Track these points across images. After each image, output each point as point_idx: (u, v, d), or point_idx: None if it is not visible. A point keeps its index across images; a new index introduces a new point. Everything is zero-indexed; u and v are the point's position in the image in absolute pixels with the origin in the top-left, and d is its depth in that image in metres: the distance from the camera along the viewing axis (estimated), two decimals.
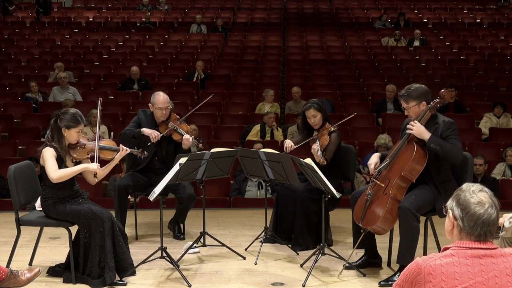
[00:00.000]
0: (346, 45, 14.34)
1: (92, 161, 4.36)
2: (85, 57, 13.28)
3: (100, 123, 4.73)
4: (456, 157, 4.16)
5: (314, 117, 5.09)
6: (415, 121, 4.22)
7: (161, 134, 5.20)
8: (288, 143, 5.13)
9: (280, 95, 11.55)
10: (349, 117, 5.70)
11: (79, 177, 4.55)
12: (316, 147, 4.90)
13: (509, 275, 2.13)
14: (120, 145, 4.60)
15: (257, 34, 15.04)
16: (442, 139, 4.19)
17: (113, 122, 9.70)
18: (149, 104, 5.31)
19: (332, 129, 5.07)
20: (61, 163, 4.26)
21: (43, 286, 4.22)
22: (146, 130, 5.17)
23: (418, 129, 4.18)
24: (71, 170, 4.24)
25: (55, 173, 4.16)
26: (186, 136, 5.19)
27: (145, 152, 4.86)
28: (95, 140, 4.42)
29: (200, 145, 5.29)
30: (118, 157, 4.50)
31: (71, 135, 4.28)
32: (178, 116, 5.38)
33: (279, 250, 5.11)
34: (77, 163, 4.38)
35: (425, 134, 4.16)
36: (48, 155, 4.20)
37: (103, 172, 4.47)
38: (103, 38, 14.50)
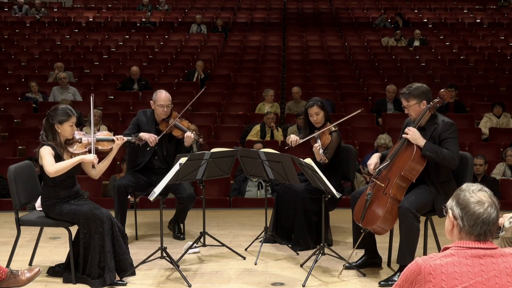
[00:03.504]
0: (346, 45, 14.34)
1: (90, 153, 4.35)
2: (85, 57, 13.27)
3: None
4: (452, 164, 4.18)
5: (317, 115, 5.09)
6: (411, 127, 4.24)
7: (161, 135, 5.20)
8: (293, 137, 5.09)
9: (280, 95, 11.55)
10: (355, 113, 5.40)
11: (80, 177, 4.55)
12: (317, 145, 4.90)
13: (509, 275, 2.13)
14: (117, 135, 4.61)
15: (257, 34, 15.04)
16: (440, 140, 4.20)
17: (113, 122, 9.71)
18: (151, 101, 5.31)
19: (333, 128, 5.07)
20: (59, 160, 4.24)
21: (43, 286, 4.22)
22: (144, 135, 5.15)
23: (413, 135, 4.20)
24: (68, 162, 4.22)
25: (52, 167, 4.16)
26: (188, 133, 5.20)
27: (143, 140, 4.87)
28: (91, 133, 4.42)
29: (201, 139, 5.27)
30: (116, 146, 4.51)
31: (65, 129, 4.27)
32: (178, 114, 5.37)
33: (279, 250, 5.11)
34: None
35: (420, 141, 4.17)
36: (45, 153, 4.20)
37: (104, 164, 4.48)
38: (103, 38, 14.50)
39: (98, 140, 4.45)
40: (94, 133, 4.46)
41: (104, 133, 4.66)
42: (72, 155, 4.34)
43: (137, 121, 5.36)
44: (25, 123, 9.88)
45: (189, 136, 5.18)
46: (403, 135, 4.28)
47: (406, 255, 4.11)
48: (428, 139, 4.21)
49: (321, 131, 5.05)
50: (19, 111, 10.21)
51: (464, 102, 10.55)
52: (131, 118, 5.82)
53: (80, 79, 11.97)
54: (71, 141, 4.35)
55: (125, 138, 4.62)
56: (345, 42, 14.53)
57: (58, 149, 4.27)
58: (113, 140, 4.51)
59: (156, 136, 5.16)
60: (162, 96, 5.23)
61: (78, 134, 4.41)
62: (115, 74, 12.35)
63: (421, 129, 4.28)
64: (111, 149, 4.50)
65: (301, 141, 5.08)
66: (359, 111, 5.36)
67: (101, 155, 4.48)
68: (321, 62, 13.19)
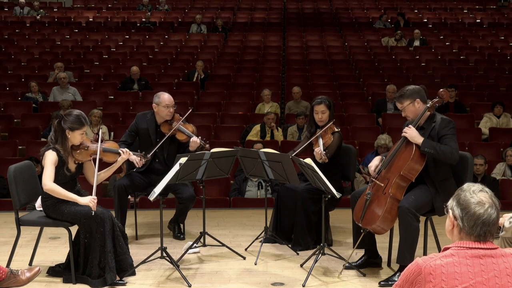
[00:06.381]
0: (346, 45, 14.34)
1: (94, 162, 4.36)
2: (85, 57, 13.27)
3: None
4: (452, 158, 4.18)
5: (323, 113, 5.08)
6: (410, 125, 4.26)
7: (152, 153, 5.12)
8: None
9: (280, 95, 11.55)
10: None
11: (80, 177, 4.55)
12: (319, 150, 4.86)
13: (509, 275, 2.13)
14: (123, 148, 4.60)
15: (257, 34, 15.04)
16: (439, 137, 4.21)
17: (113, 122, 9.71)
18: (153, 104, 5.26)
19: (336, 129, 5.07)
20: (63, 165, 4.26)
21: (43, 286, 4.22)
22: (132, 157, 4.83)
23: (411, 133, 4.22)
24: (63, 193, 4.19)
25: (49, 183, 4.17)
26: (194, 138, 5.15)
27: (148, 156, 4.86)
28: (97, 142, 4.41)
29: (207, 146, 5.17)
30: (120, 160, 4.51)
31: (75, 137, 4.28)
32: (181, 117, 5.33)
33: (279, 250, 5.11)
34: (79, 164, 4.38)
35: (418, 138, 4.19)
36: (48, 161, 4.20)
37: (105, 174, 4.49)
38: (103, 38, 14.50)
39: (104, 151, 4.45)
40: (101, 142, 4.43)
41: (111, 144, 4.63)
42: (76, 161, 4.35)
43: (136, 127, 5.32)
44: (25, 123, 9.88)
45: (195, 141, 5.13)
46: (402, 134, 4.29)
47: (406, 255, 4.11)
48: (427, 138, 4.21)
49: (323, 129, 5.05)
50: (19, 111, 10.21)
51: (464, 102, 10.55)
52: (131, 118, 5.81)
53: (80, 79, 11.97)
54: (77, 147, 4.35)
55: (131, 153, 4.61)
56: (345, 42, 14.53)
57: (64, 154, 4.27)
58: (118, 153, 4.50)
59: (142, 161, 4.98)
60: (165, 97, 5.21)
61: (85, 141, 4.40)
62: (115, 74, 12.35)
63: (420, 129, 4.29)
64: (115, 161, 4.50)
65: (296, 152, 5.00)
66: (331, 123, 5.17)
67: (104, 165, 4.47)
68: (321, 62, 13.20)
